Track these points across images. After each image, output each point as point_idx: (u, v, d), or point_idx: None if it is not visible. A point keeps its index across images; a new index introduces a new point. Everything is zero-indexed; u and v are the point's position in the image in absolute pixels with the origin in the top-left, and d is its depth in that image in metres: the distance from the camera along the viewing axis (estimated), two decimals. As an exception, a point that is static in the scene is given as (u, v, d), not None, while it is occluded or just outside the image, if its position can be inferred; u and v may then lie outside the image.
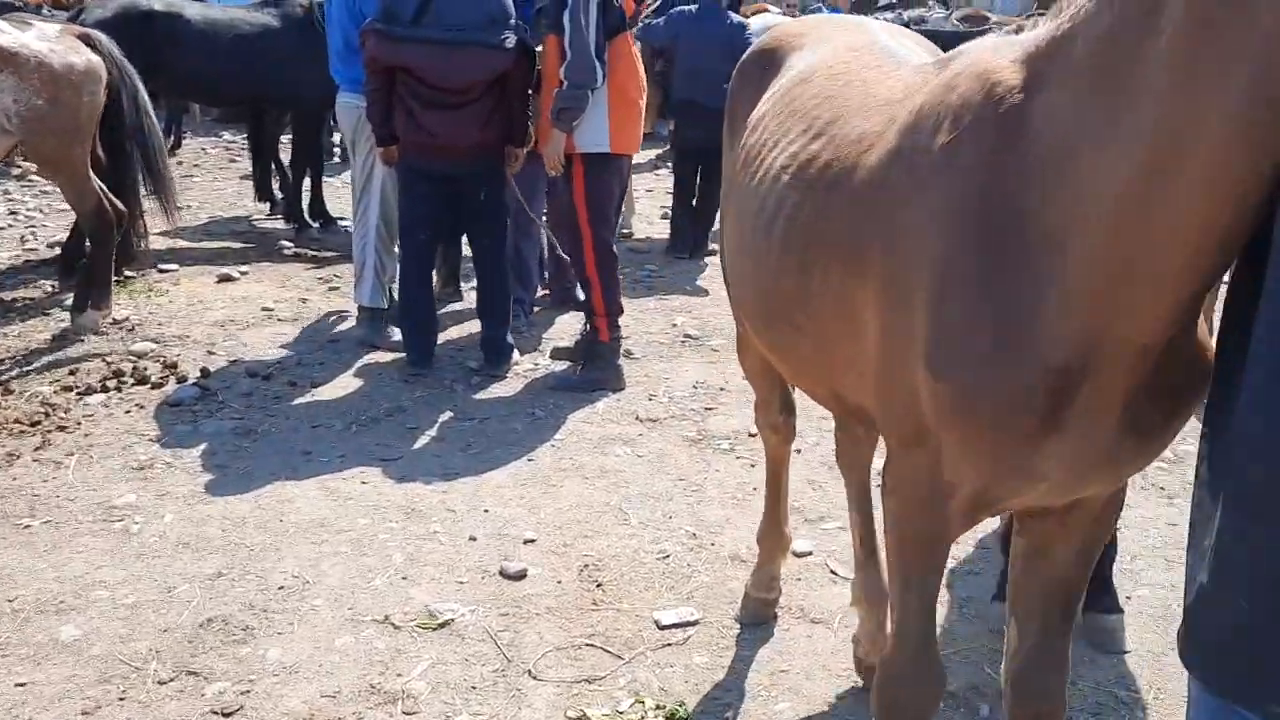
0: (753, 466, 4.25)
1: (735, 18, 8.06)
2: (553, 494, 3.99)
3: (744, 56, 2.76)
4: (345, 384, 5.06)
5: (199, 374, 5.02)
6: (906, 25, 10.95)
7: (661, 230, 8.55)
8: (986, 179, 1.55)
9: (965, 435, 1.64)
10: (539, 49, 4.95)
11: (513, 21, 4.78)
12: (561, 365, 5.34)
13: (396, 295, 5.48)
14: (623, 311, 5.16)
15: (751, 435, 4.54)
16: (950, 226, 1.59)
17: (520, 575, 3.40)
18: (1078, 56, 1.43)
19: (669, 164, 9.36)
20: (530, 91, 4.99)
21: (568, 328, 6.02)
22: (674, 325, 6.15)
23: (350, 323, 5.79)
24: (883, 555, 3.01)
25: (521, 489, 4.02)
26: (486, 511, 3.83)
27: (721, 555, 3.58)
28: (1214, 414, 1.34)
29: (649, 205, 9.57)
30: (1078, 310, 1.46)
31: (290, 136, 8.34)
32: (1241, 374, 1.26)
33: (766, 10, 11.38)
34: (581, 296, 6.18)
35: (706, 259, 7.85)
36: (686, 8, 8.27)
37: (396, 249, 5.57)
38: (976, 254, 1.55)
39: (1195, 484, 1.35)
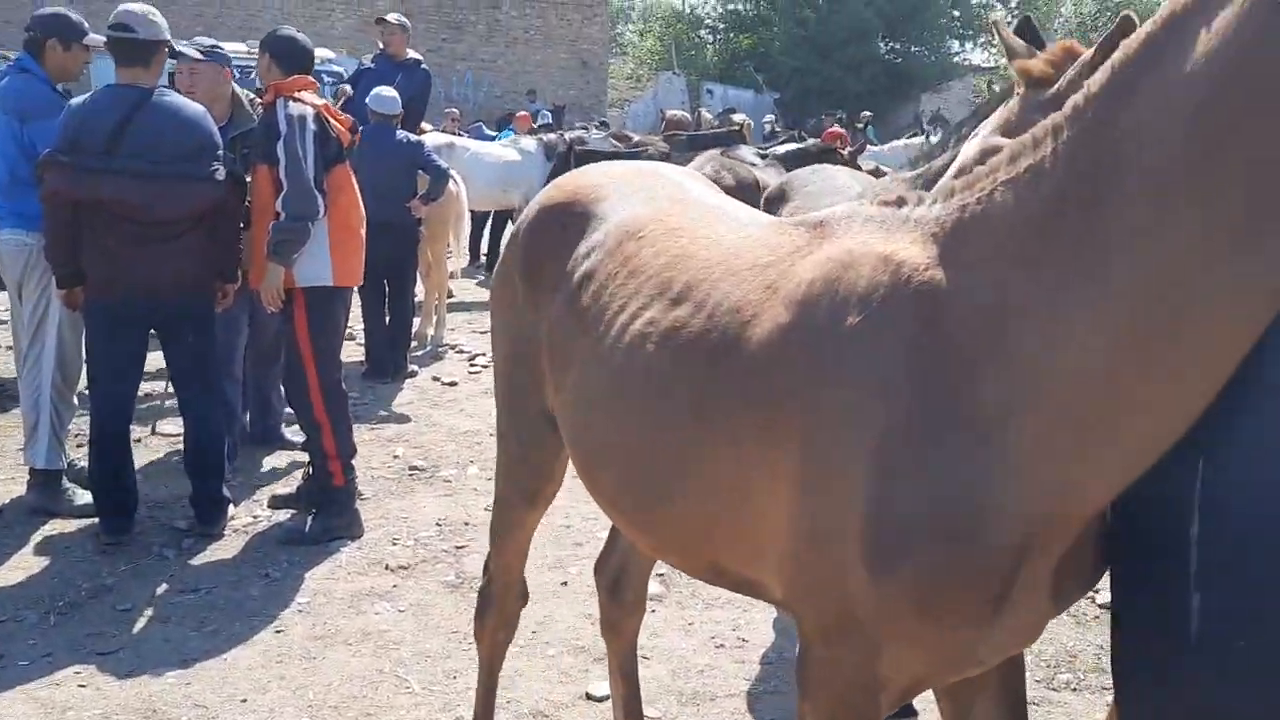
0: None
1: (410, 136, 8.02)
2: (316, 668, 3.59)
3: (535, 209, 2.57)
4: (27, 564, 4.31)
5: None
6: (570, 145, 11.43)
7: (350, 354, 8.17)
8: (912, 361, 1.52)
9: (913, 630, 1.57)
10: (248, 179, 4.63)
11: (220, 151, 4.42)
12: (285, 514, 4.90)
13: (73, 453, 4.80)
14: (355, 452, 4.84)
15: (512, 572, 4.38)
16: (880, 411, 1.54)
17: (307, 773, 3.02)
18: (1001, 236, 1.47)
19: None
20: (241, 225, 4.63)
21: (277, 470, 5.56)
22: (395, 457, 5.86)
23: (18, 488, 4.97)
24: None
25: (278, 667, 3.59)
26: (244, 701, 3.37)
27: (522, 712, 3.37)
28: None
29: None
30: (1027, 490, 1.45)
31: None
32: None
33: (427, 130, 11.44)
34: (289, 435, 5.79)
35: (406, 380, 7.61)
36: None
37: (75, 399, 4.92)
38: (912, 440, 1.50)
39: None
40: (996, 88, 3.31)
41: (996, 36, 2.59)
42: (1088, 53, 2.35)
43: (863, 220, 1.74)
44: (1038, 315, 1.42)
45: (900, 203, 1.72)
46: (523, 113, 15.99)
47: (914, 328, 1.53)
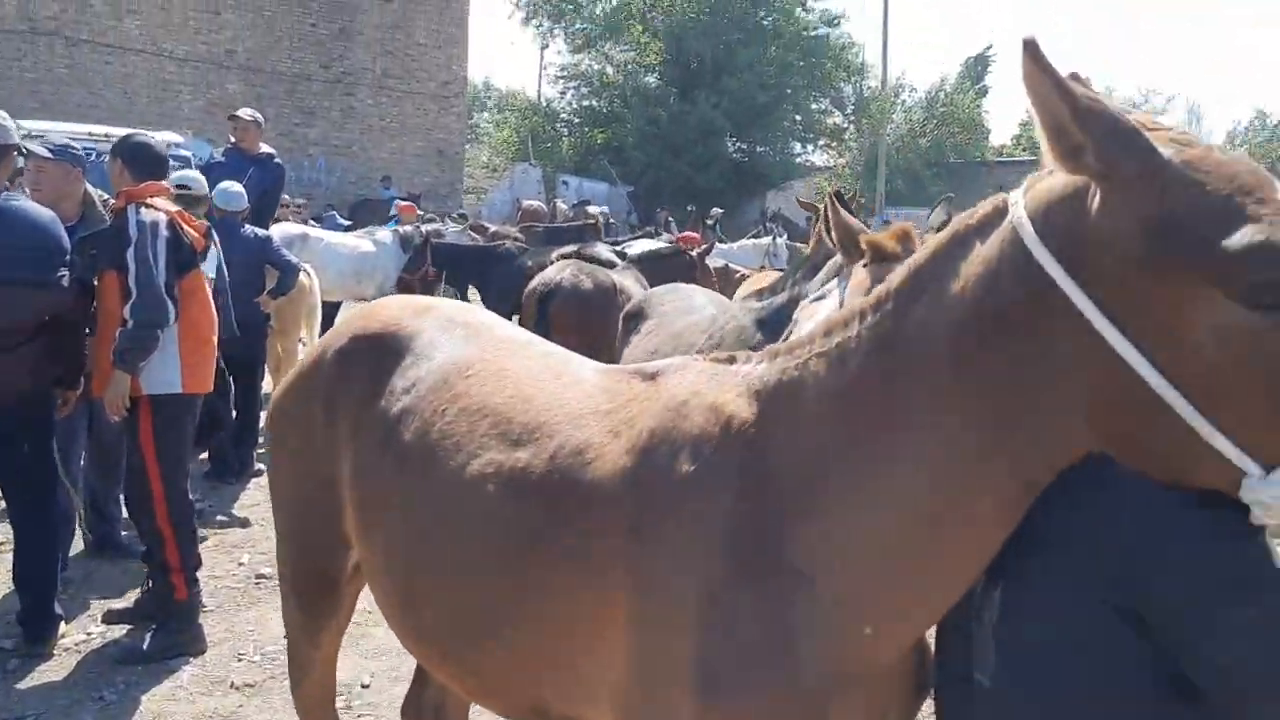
0: (376, 724, 4.04)
1: (257, 231, 7.91)
2: (155, 799, 3.46)
3: (346, 338, 2.50)
4: None
5: None
6: (426, 238, 11.48)
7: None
8: (738, 509, 1.63)
9: None
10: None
11: (68, 257, 4.32)
12: (121, 631, 4.69)
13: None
14: (200, 564, 4.70)
15: (365, 686, 4.32)
16: (709, 557, 1.63)
17: None
18: (811, 403, 1.61)
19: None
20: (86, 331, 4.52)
21: (112, 581, 5.31)
22: (240, 564, 5.69)
23: None
24: None
25: (114, 800, 3.44)
26: (76, 839, 3.22)
27: (374, 838, 3.32)
28: None
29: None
30: (837, 633, 1.57)
31: None
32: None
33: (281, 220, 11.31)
34: (127, 544, 5.56)
35: (252, 480, 7.41)
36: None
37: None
38: (738, 584, 1.60)
39: None
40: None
41: (832, 216, 2.81)
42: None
43: (696, 373, 1.87)
44: (841, 479, 1.57)
45: (731, 360, 1.86)
46: (406, 203, 16.01)
47: (740, 478, 1.66)
